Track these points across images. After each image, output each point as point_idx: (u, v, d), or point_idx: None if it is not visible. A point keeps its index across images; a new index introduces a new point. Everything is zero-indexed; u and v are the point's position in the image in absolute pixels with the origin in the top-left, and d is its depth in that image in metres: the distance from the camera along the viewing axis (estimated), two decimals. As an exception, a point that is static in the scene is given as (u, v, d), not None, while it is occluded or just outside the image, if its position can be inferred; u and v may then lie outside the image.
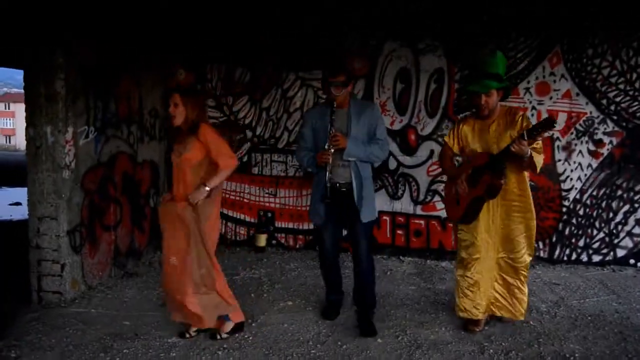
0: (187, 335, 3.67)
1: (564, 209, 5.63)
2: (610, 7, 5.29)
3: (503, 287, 3.86)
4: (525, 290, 3.84)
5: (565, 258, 5.67)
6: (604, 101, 5.46)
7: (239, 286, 4.86)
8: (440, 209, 5.78)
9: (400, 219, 5.92)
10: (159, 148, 5.85)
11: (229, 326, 3.69)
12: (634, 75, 5.38)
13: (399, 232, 5.93)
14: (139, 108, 5.39)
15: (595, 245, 5.63)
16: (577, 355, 3.53)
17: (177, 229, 3.49)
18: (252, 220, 6.28)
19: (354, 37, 5.78)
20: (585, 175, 5.57)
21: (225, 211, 6.30)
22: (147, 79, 5.49)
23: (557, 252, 5.68)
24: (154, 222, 5.08)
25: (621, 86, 5.42)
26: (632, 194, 5.52)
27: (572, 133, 5.53)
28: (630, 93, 5.41)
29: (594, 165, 5.55)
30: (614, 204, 5.57)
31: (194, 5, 5.58)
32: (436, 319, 4.13)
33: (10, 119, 59.51)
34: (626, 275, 5.37)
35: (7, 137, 59.06)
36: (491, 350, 3.56)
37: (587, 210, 5.61)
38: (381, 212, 5.81)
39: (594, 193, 5.58)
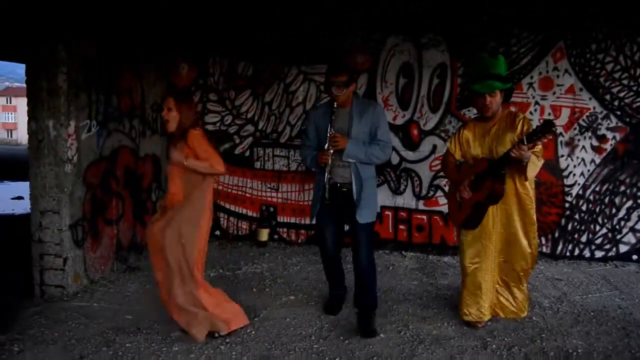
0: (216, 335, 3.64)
1: (567, 205, 5.62)
2: (610, 7, 5.27)
3: (504, 288, 3.91)
4: (525, 289, 3.95)
5: (567, 254, 5.67)
6: (608, 96, 5.44)
7: (241, 281, 4.86)
8: (442, 204, 5.76)
9: (402, 214, 5.91)
10: (161, 142, 5.83)
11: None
12: (638, 71, 5.36)
13: (401, 227, 5.93)
14: (141, 102, 5.37)
15: (598, 241, 5.62)
16: (580, 350, 3.52)
17: (157, 252, 3.52)
18: (254, 214, 6.28)
19: (356, 33, 5.75)
20: (588, 170, 5.56)
21: (227, 205, 6.30)
22: (149, 73, 5.47)
23: (559, 248, 5.68)
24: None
25: (625, 81, 5.40)
26: (635, 189, 5.51)
27: (575, 128, 5.52)
28: (634, 88, 5.39)
29: (597, 160, 5.53)
30: (617, 200, 5.55)
31: (194, 4, 5.57)
32: (439, 314, 4.13)
33: (12, 113, 59.55)
34: (629, 271, 5.36)
35: (9, 132, 59.11)
36: (494, 346, 3.56)
37: (590, 205, 5.60)
38: (383, 207, 5.81)
39: (597, 189, 5.56)
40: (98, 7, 4.47)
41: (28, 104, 4.23)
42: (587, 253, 5.64)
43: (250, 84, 6.10)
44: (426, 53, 5.68)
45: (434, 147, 5.76)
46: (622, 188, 5.53)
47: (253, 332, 3.72)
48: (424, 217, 5.88)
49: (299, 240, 6.19)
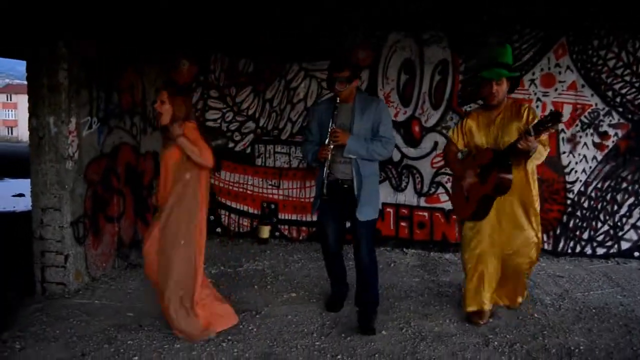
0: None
1: (569, 202, 5.61)
2: (610, 7, 5.26)
3: (504, 279, 3.91)
4: (524, 280, 3.98)
5: (569, 250, 5.67)
6: (610, 93, 5.43)
7: (242, 278, 4.86)
8: (444, 201, 5.77)
9: (404, 211, 5.90)
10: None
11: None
12: (640, 67, 5.35)
13: (403, 224, 5.92)
14: (142, 99, 5.36)
15: (600, 238, 5.62)
16: (581, 347, 3.52)
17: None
18: (256, 211, 6.27)
19: (357, 30, 5.74)
20: (590, 167, 5.55)
21: (228, 203, 6.30)
22: (150, 70, 5.45)
23: (561, 245, 5.67)
24: (155, 213, 5.06)
25: (627, 78, 5.40)
26: (637, 186, 5.50)
27: (577, 125, 5.51)
28: (636, 85, 5.38)
29: (599, 157, 5.52)
30: (618, 197, 5.55)
31: (194, 4, 5.56)
32: (440, 311, 4.13)
33: (12, 110, 59.50)
34: (630, 268, 5.36)
35: (9, 129, 59.08)
36: (496, 343, 3.56)
37: (592, 202, 5.59)
38: (385, 204, 5.80)
39: (599, 185, 5.55)
40: (98, 4, 4.45)
41: (29, 101, 4.22)
42: (588, 250, 5.64)
43: (251, 80, 6.09)
44: (428, 49, 5.67)
45: (436, 143, 5.75)
46: (624, 185, 5.52)
47: (255, 330, 3.72)
48: (426, 214, 5.87)
49: (300, 238, 6.19)
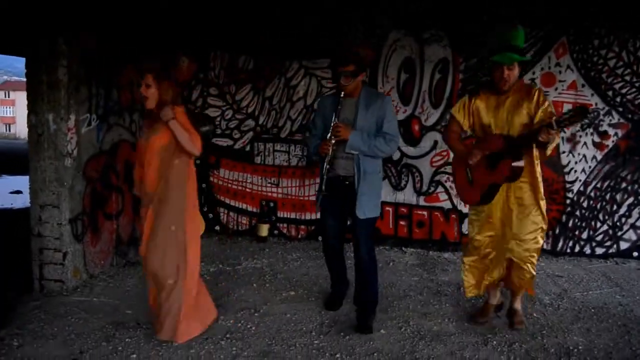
0: None
1: (568, 201, 5.61)
2: (610, 7, 5.26)
3: (512, 267, 3.67)
4: (533, 270, 3.62)
5: (568, 250, 5.67)
6: (610, 93, 5.43)
7: (241, 276, 4.85)
8: (443, 200, 5.77)
9: (403, 209, 5.90)
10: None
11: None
12: (641, 67, 5.35)
13: (402, 223, 5.91)
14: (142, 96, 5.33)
15: (599, 238, 5.62)
16: (580, 347, 3.52)
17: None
18: (254, 210, 6.26)
19: (357, 28, 5.73)
20: (590, 167, 5.54)
21: (227, 200, 6.29)
22: (149, 67, 5.43)
23: (560, 244, 5.67)
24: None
25: (627, 78, 5.40)
26: (636, 186, 5.50)
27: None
28: (637, 85, 5.38)
29: (599, 157, 5.52)
30: (618, 197, 5.55)
31: (194, 3, 5.55)
32: (439, 310, 4.12)
33: (10, 107, 59.42)
34: (629, 267, 5.36)
35: (7, 126, 59.00)
36: (495, 342, 3.55)
37: (591, 202, 5.59)
38: (384, 203, 5.78)
39: (598, 185, 5.55)
40: (98, 1, 4.43)
41: (28, 98, 4.20)
42: (587, 250, 5.64)
43: (251, 78, 6.08)
44: (428, 48, 5.66)
45: (435, 142, 5.74)
46: (624, 185, 5.52)
47: (253, 328, 3.71)
48: (425, 213, 5.87)
49: (299, 236, 6.18)
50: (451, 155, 5.61)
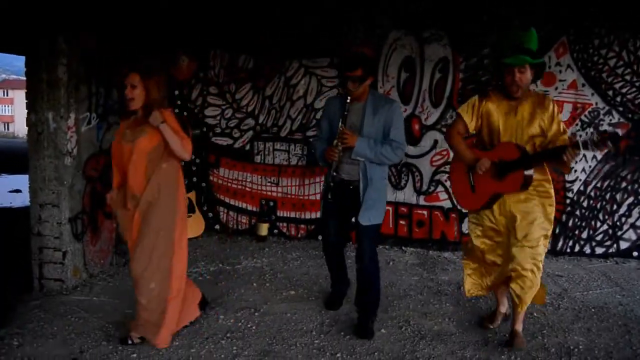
0: (130, 342, 3.40)
1: (568, 201, 5.61)
2: (610, 7, 5.25)
3: (517, 275, 3.39)
4: (535, 278, 3.37)
5: (568, 250, 5.66)
6: (610, 92, 5.42)
7: (241, 275, 4.84)
8: (443, 200, 5.76)
9: (403, 209, 5.89)
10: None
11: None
12: (641, 66, 5.35)
13: (402, 222, 5.91)
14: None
15: (599, 238, 5.62)
16: (581, 347, 3.52)
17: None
18: (254, 209, 6.25)
19: (358, 27, 5.72)
20: (590, 166, 5.54)
21: (227, 200, 6.28)
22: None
23: (560, 244, 5.67)
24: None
25: (628, 77, 5.39)
26: (636, 186, 5.50)
27: (577, 124, 5.50)
28: (637, 84, 5.37)
29: (599, 157, 5.52)
30: (618, 196, 5.55)
31: (194, 3, 5.53)
32: (440, 310, 4.12)
33: (8, 106, 59.38)
34: (629, 267, 5.36)
35: (6, 124, 58.96)
36: (495, 342, 3.55)
37: (591, 202, 5.59)
38: (384, 202, 5.78)
39: (598, 185, 5.55)
40: (99, 1, 4.43)
41: (28, 96, 4.19)
42: (587, 249, 5.64)
43: (251, 77, 6.07)
44: (428, 47, 5.65)
45: (435, 142, 5.74)
46: (624, 184, 5.52)
47: (254, 327, 3.71)
48: (425, 212, 5.86)
49: (299, 235, 6.17)
50: (451, 154, 5.66)
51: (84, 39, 4.32)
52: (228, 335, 3.56)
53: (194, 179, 6.29)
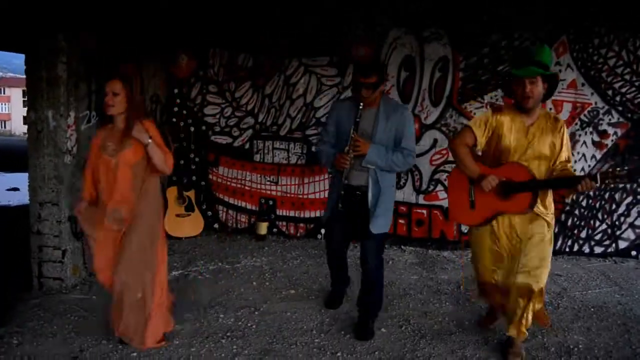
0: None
1: (567, 200, 5.61)
2: (610, 7, 5.26)
3: (515, 304, 3.31)
4: (530, 316, 3.29)
5: (567, 249, 5.68)
6: (610, 92, 5.44)
7: (240, 274, 4.84)
8: (442, 199, 5.76)
9: (402, 208, 5.89)
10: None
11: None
12: (640, 66, 5.36)
13: (401, 221, 5.91)
14: (141, 94, 5.32)
15: (598, 237, 5.63)
16: (581, 346, 3.53)
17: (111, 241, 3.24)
18: (253, 207, 6.25)
19: (358, 25, 5.72)
20: (589, 166, 5.55)
21: (226, 198, 6.27)
22: (149, 64, 5.42)
23: (559, 243, 5.68)
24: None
25: (627, 77, 5.40)
26: (635, 185, 5.52)
27: (576, 124, 5.51)
28: (636, 84, 5.39)
29: (598, 156, 5.53)
30: (616, 196, 5.56)
31: (194, 2, 5.54)
32: (439, 309, 4.13)
33: (5, 104, 59.14)
34: (628, 267, 5.38)
35: (2, 122, 58.75)
36: (495, 341, 3.56)
37: (590, 201, 5.60)
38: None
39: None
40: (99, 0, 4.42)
41: (27, 94, 4.19)
42: (586, 249, 5.65)
43: (251, 75, 6.06)
44: (428, 46, 5.65)
45: (435, 141, 5.74)
46: (622, 184, 5.52)
47: (254, 326, 3.70)
48: (424, 211, 5.87)
49: (298, 234, 6.17)
50: (450, 154, 5.66)
51: (84, 38, 4.31)
52: (228, 334, 3.56)
53: (193, 178, 6.28)
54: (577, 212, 5.63)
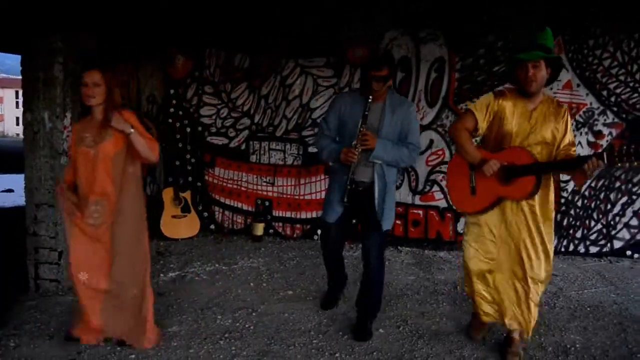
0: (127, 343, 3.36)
1: (562, 200, 5.64)
2: (610, 7, 5.29)
3: (516, 297, 3.35)
4: (536, 310, 3.32)
5: (562, 249, 5.70)
6: (605, 92, 5.46)
7: (237, 275, 4.83)
8: (438, 199, 5.77)
9: (398, 208, 5.87)
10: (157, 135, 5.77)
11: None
12: (635, 67, 5.39)
13: (397, 222, 5.91)
14: (137, 94, 5.30)
15: (593, 237, 5.66)
16: (577, 346, 3.54)
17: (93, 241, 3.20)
18: (250, 208, 6.24)
19: (356, 26, 5.72)
20: (585, 166, 5.57)
21: (222, 199, 6.27)
22: (145, 65, 5.40)
23: (554, 243, 5.68)
24: (150, 210, 5.00)
25: (622, 77, 5.43)
26: (630, 185, 5.54)
27: (572, 124, 5.52)
28: (631, 85, 5.42)
29: (593, 156, 5.54)
30: (611, 196, 5.59)
31: (191, 2, 5.53)
32: (437, 309, 4.13)
33: (-2, 104, 58.73)
34: (623, 266, 5.41)
35: (-5, 123, 58.33)
36: (493, 341, 3.56)
37: (585, 201, 5.63)
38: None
39: (592, 184, 5.59)
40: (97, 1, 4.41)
41: (24, 95, 4.16)
42: (581, 249, 5.68)
43: (247, 76, 6.06)
44: (424, 47, 5.66)
45: (431, 141, 5.75)
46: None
47: (251, 327, 3.70)
48: (420, 212, 5.88)
49: (294, 235, 6.17)
50: (447, 154, 5.68)
51: (84, 38, 4.29)
52: (226, 335, 3.55)
53: (190, 179, 6.26)
54: (572, 212, 5.65)
